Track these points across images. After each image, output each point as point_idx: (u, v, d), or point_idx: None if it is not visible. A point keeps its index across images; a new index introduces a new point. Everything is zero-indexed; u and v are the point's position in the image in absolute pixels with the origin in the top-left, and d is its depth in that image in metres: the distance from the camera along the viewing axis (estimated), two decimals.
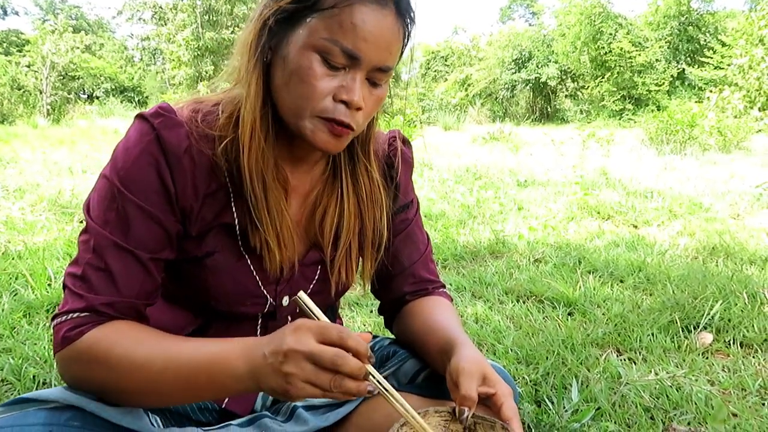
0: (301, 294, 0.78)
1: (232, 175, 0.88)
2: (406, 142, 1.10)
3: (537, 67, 24.80)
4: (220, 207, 0.89)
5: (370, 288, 1.13)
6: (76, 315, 0.80)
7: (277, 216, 0.90)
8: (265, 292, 0.95)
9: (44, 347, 1.81)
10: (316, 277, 1.01)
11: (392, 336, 1.19)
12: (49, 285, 2.35)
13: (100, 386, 0.79)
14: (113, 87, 28.30)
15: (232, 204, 0.90)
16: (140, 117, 0.86)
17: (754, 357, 1.87)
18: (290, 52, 0.81)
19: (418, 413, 0.85)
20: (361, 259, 1.05)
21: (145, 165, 0.83)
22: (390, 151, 1.06)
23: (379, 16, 0.79)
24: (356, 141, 0.96)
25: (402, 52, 0.88)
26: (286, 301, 0.99)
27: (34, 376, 1.64)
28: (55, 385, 1.59)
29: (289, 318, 1.03)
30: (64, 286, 0.83)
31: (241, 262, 0.92)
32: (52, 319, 0.82)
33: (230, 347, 0.75)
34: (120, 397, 0.80)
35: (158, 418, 0.88)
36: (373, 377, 0.73)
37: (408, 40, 0.88)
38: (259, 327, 1.01)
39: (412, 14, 0.85)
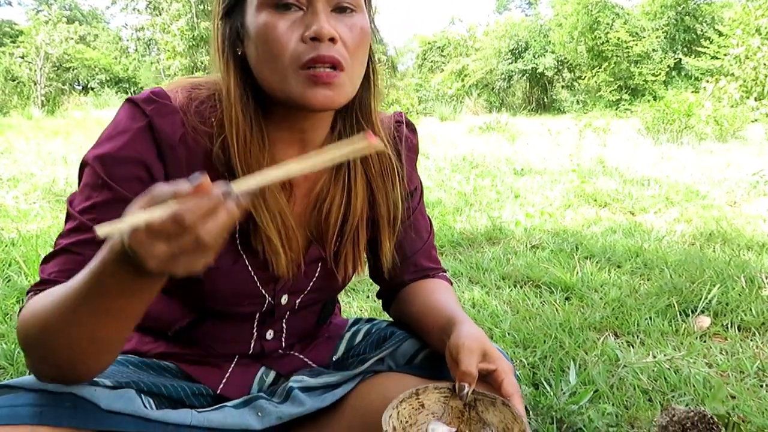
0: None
1: (230, 172, 0.84)
2: (410, 126, 1.06)
3: (534, 57, 24.73)
4: None
5: (388, 268, 1.06)
6: (29, 295, 0.76)
7: (279, 215, 0.86)
8: (263, 291, 0.93)
9: None
10: (317, 274, 0.99)
11: (390, 319, 1.18)
12: None
13: (35, 351, 0.71)
14: (108, 78, 28.10)
15: None
16: (130, 102, 0.82)
17: (751, 340, 1.87)
18: (249, 25, 0.78)
19: (417, 389, 0.84)
20: (378, 240, 1.01)
21: (133, 155, 0.79)
22: (396, 136, 1.02)
23: None
24: (356, 106, 0.91)
25: None
26: (285, 299, 0.97)
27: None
28: None
29: (287, 314, 1.01)
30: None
31: (238, 262, 0.89)
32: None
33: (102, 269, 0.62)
34: (55, 361, 0.71)
35: (151, 401, 0.87)
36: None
37: None
38: (256, 323, 0.99)
39: None
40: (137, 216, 0.54)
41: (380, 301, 1.20)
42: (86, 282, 0.63)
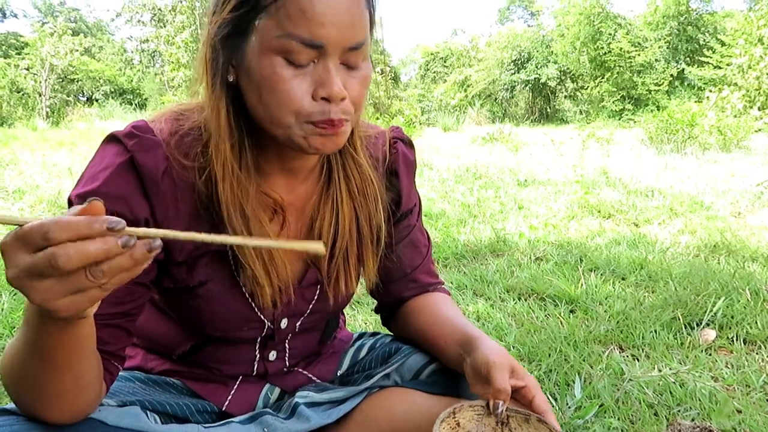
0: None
1: (214, 204, 0.82)
2: (407, 142, 1.05)
3: (536, 67, 24.80)
4: (206, 232, 0.86)
5: (371, 288, 1.09)
6: None
7: (263, 250, 0.85)
8: (262, 317, 0.93)
9: None
10: (315, 297, 0.98)
11: (390, 333, 1.19)
12: None
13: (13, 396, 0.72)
14: (112, 89, 28.26)
15: (217, 233, 0.86)
16: (112, 138, 0.80)
17: (757, 353, 1.86)
18: (250, 63, 0.73)
19: (455, 408, 0.84)
20: (362, 259, 1.00)
21: (114, 192, 0.76)
22: (392, 155, 1.01)
23: None
24: None
25: (372, 19, 0.79)
26: (284, 323, 0.97)
27: None
28: None
29: (289, 336, 1.01)
30: None
31: (235, 289, 0.88)
32: None
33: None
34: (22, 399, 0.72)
35: (157, 417, 0.87)
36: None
37: (374, 6, 0.79)
38: (258, 346, 0.99)
39: None
40: (19, 257, 0.50)
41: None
42: (22, 325, 0.65)
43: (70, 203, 0.77)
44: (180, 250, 0.84)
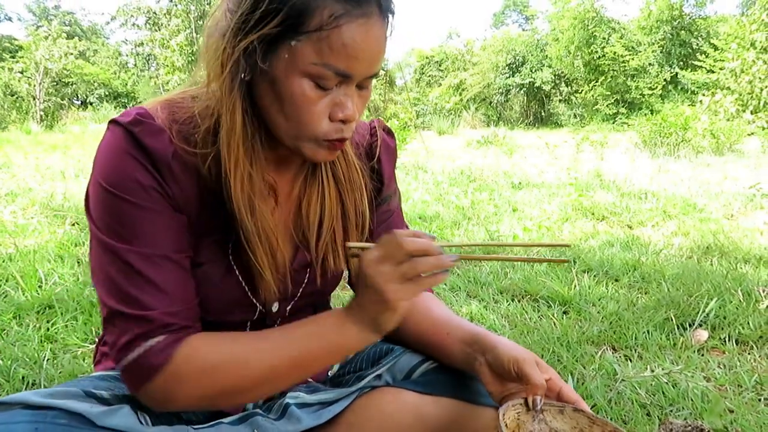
0: (349, 243, 0.87)
1: (219, 192, 0.84)
2: (387, 131, 1.08)
3: (531, 71, 24.91)
4: (212, 217, 0.87)
5: (354, 279, 1.10)
6: (148, 343, 0.76)
7: (269, 239, 0.87)
8: (254, 300, 0.93)
9: (33, 349, 1.79)
10: (305, 280, 0.99)
11: None
12: (40, 287, 2.32)
13: (214, 394, 0.79)
14: (107, 93, 28.20)
15: (223, 218, 0.86)
16: (115, 124, 0.80)
17: (749, 353, 1.86)
18: (278, 76, 0.76)
19: (504, 411, 0.83)
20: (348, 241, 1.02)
21: (132, 166, 0.78)
22: (372, 141, 1.04)
23: (367, 28, 0.75)
24: None
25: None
26: (275, 307, 0.97)
27: (23, 377, 1.62)
28: (44, 386, 1.57)
29: (279, 321, 1.01)
30: (107, 319, 0.78)
31: (229, 274, 0.89)
32: (117, 361, 0.77)
33: (326, 321, 0.82)
34: (236, 398, 0.81)
35: (147, 416, 0.86)
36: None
37: (392, 32, 0.83)
38: (248, 330, 1.00)
39: (392, 7, 0.81)
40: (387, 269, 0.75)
41: None
42: (312, 344, 0.81)
43: (99, 188, 0.78)
44: (192, 228, 0.85)
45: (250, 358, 0.80)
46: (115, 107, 22.70)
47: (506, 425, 0.79)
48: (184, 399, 0.79)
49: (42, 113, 17.53)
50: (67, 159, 7.57)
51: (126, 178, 0.78)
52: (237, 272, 0.90)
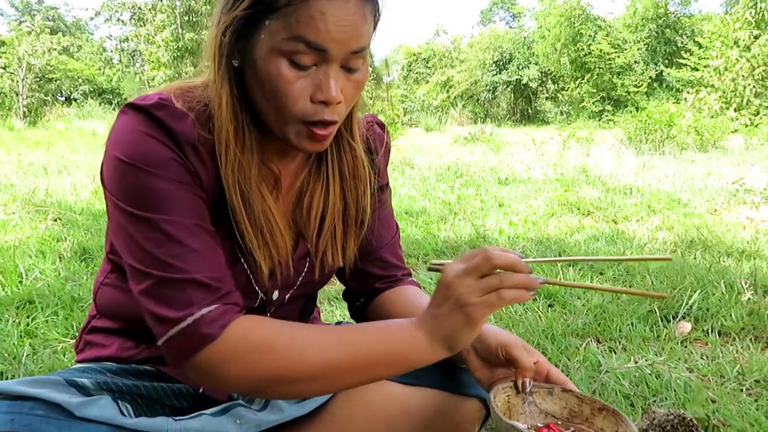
0: (433, 262, 0.83)
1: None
2: (381, 125, 1.08)
3: (518, 68, 24.99)
4: (225, 205, 0.87)
5: (349, 273, 1.09)
6: (201, 311, 0.73)
7: (264, 225, 0.86)
8: (256, 288, 0.93)
9: (12, 344, 1.76)
10: (305, 270, 0.99)
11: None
12: (20, 282, 2.29)
13: (265, 378, 0.75)
14: (91, 89, 27.89)
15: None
16: (135, 108, 0.79)
17: (731, 345, 1.88)
18: (257, 58, 0.76)
19: (494, 395, 0.83)
20: (346, 237, 1.01)
21: (155, 144, 0.77)
22: (369, 135, 1.04)
23: (340, 2, 0.74)
24: None
25: (375, 26, 0.83)
26: (276, 295, 0.97)
27: (2, 373, 1.60)
28: None
29: (273, 309, 1.01)
30: (147, 292, 0.75)
31: (238, 264, 0.89)
32: (161, 334, 0.74)
33: (396, 328, 0.78)
34: (286, 387, 0.77)
35: (129, 406, 0.85)
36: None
37: (379, 12, 0.82)
38: None
39: None
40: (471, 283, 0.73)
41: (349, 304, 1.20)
42: (381, 350, 0.77)
43: (120, 163, 0.76)
44: (212, 216, 0.84)
45: (308, 348, 0.76)
46: (99, 104, 22.47)
47: (497, 407, 0.79)
48: (234, 377, 0.75)
49: (25, 109, 17.30)
50: (50, 155, 7.48)
51: (148, 153, 0.76)
52: (243, 262, 0.90)
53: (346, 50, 0.76)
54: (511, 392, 0.86)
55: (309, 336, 0.77)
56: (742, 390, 1.58)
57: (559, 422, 0.85)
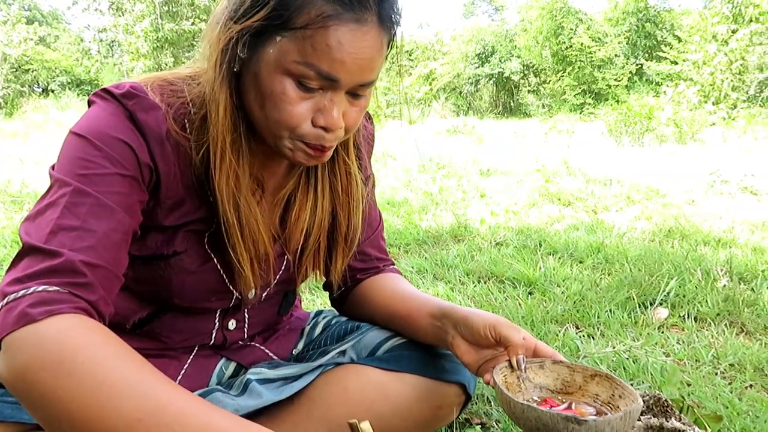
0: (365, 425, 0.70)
1: (208, 180, 0.82)
2: (367, 116, 1.07)
3: (500, 61, 25.01)
4: (195, 206, 0.85)
5: (336, 290, 1.13)
6: (42, 287, 0.64)
7: (253, 234, 0.86)
8: (231, 287, 0.93)
9: None
10: (282, 268, 0.99)
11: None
12: None
13: (49, 400, 0.60)
14: (69, 80, 27.40)
15: (208, 209, 0.85)
16: (106, 94, 0.77)
17: (707, 330, 1.91)
18: (261, 71, 0.74)
19: (494, 376, 0.84)
20: (331, 255, 1.02)
21: (118, 128, 0.75)
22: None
23: (359, 34, 0.72)
24: None
25: (387, 56, 0.83)
26: (252, 294, 0.96)
27: None
28: None
29: (247, 309, 1.01)
30: (16, 256, 0.70)
31: (208, 263, 0.88)
32: (3, 293, 0.65)
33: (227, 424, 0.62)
34: (63, 421, 0.60)
35: None
36: None
37: (393, 42, 0.82)
38: (218, 314, 0.98)
39: (397, 17, 0.79)
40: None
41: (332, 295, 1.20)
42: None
43: (76, 137, 0.75)
44: (169, 216, 0.83)
45: (131, 392, 0.59)
46: (77, 95, 22.09)
47: (507, 391, 0.79)
48: (16, 374, 0.61)
49: (1, 100, 16.98)
50: (26, 146, 7.35)
51: (103, 131, 0.75)
52: (216, 261, 0.89)
53: (357, 82, 0.76)
54: (507, 371, 0.87)
55: (119, 376, 0.60)
56: (716, 373, 1.61)
57: (558, 396, 0.86)
